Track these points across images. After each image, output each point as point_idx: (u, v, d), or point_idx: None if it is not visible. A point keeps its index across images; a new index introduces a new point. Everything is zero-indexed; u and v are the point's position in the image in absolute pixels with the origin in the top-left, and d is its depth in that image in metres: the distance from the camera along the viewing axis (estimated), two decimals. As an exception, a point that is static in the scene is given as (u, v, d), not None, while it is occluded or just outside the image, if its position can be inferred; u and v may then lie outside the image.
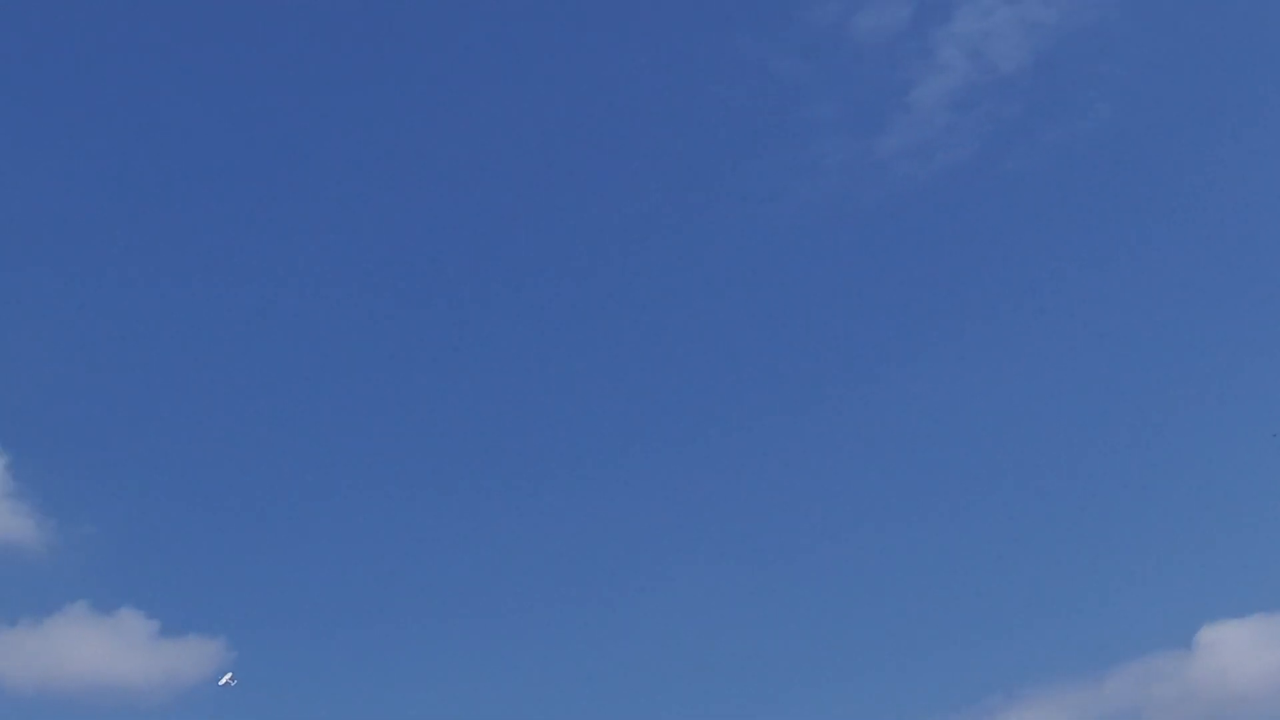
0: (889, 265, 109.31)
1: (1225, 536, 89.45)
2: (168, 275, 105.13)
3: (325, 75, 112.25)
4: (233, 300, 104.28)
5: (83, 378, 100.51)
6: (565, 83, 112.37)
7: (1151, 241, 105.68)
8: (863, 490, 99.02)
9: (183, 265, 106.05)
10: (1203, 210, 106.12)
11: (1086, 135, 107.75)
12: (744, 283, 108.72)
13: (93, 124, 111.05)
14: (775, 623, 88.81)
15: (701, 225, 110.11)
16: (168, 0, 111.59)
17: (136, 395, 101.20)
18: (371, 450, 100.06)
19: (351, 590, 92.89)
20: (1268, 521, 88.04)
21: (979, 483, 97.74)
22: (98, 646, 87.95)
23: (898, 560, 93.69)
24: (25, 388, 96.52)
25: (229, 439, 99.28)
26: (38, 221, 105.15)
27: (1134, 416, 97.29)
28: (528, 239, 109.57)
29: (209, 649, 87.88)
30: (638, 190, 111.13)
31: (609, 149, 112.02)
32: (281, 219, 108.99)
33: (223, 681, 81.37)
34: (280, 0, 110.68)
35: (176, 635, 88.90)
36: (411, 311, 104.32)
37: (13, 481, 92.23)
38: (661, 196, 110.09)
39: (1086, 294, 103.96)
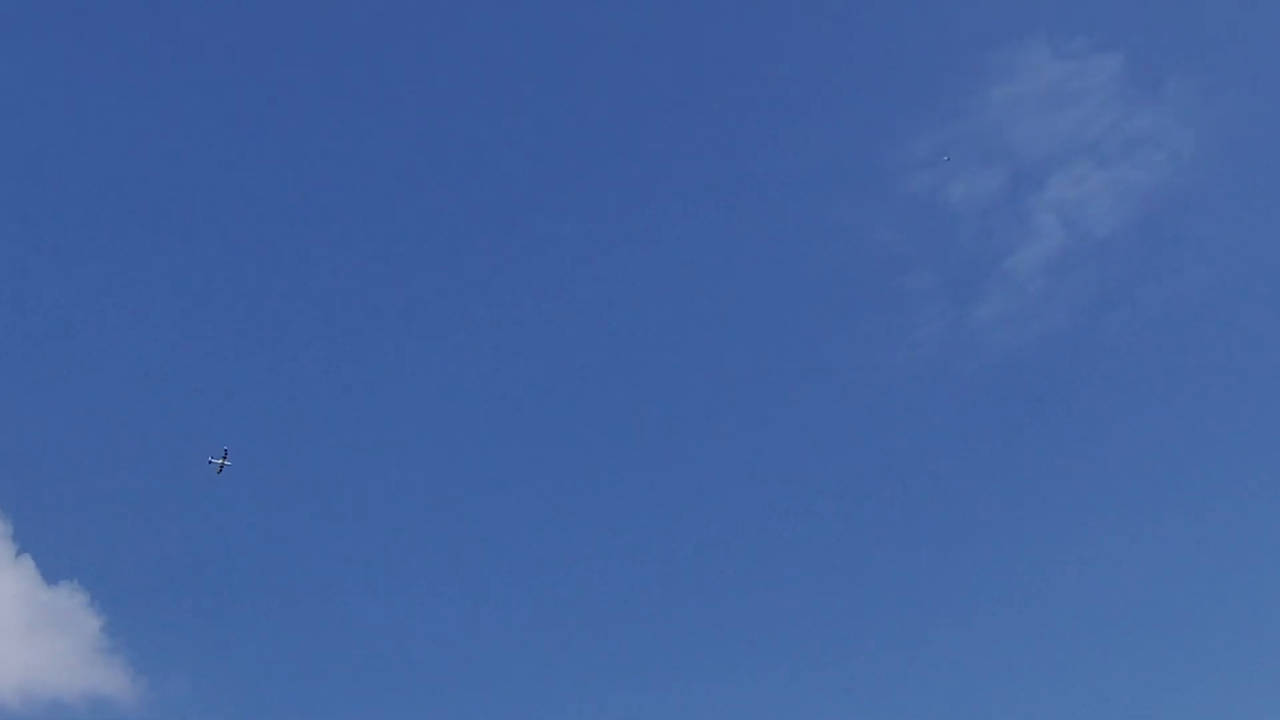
0: (986, 433, 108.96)
1: None
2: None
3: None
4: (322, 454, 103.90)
5: (175, 541, 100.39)
6: (682, 256, 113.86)
7: (1260, 401, 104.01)
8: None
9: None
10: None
11: (1184, 297, 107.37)
12: (845, 451, 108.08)
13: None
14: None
15: (800, 394, 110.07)
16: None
17: (229, 556, 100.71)
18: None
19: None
20: None
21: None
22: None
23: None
24: (121, 551, 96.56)
25: (320, 597, 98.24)
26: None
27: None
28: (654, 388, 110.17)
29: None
30: (740, 362, 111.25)
31: (707, 324, 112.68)
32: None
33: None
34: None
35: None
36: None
37: (108, 639, 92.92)
38: (763, 365, 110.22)
39: (1189, 458, 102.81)
